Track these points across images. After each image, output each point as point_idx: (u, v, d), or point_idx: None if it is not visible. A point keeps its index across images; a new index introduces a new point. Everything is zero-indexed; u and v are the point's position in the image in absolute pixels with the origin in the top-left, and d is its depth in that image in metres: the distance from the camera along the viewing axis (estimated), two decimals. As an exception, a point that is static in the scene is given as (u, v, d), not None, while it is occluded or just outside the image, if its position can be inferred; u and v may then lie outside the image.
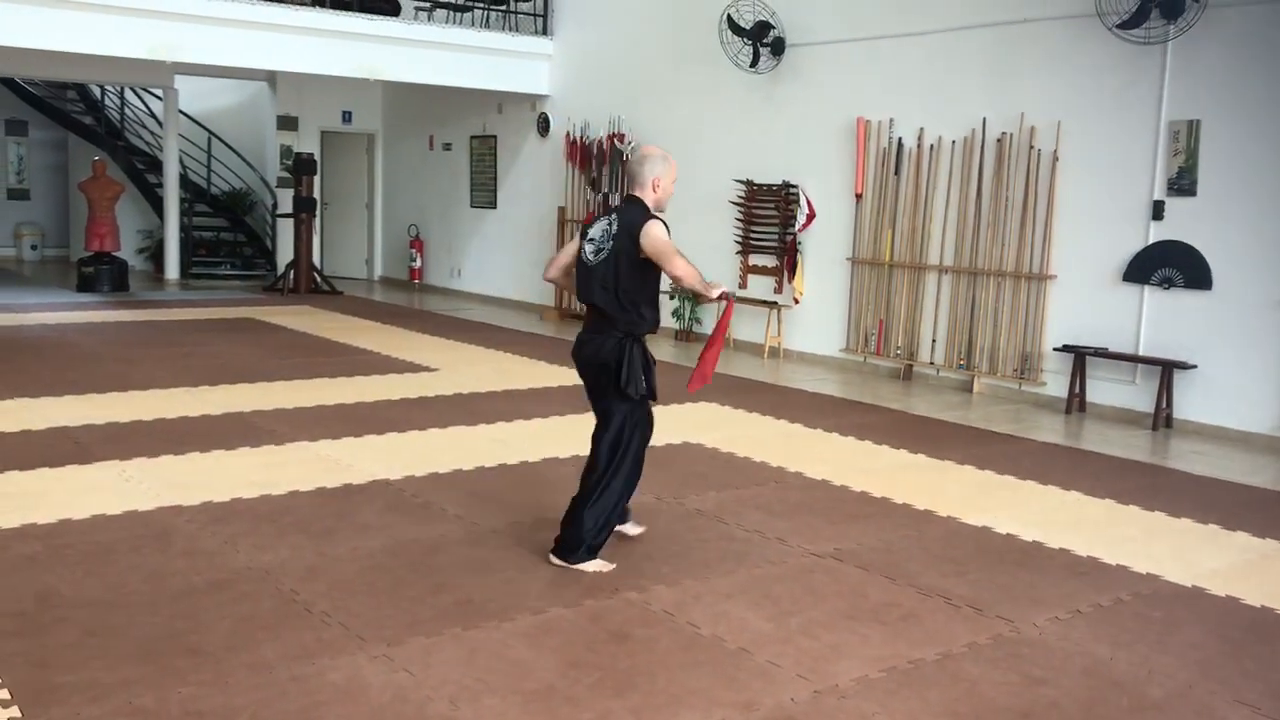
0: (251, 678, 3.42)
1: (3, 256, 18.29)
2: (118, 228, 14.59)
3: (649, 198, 4.51)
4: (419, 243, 15.93)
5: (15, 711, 3.15)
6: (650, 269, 4.39)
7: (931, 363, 9.45)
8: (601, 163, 12.38)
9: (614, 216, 4.49)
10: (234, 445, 6.34)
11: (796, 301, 10.46)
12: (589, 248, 4.49)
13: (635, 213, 4.45)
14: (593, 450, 4.53)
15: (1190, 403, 7.85)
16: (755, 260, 10.98)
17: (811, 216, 10.21)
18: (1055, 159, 8.49)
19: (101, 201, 14.34)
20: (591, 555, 4.47)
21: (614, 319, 4.43)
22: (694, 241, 11.35)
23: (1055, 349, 8.54)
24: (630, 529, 4.87)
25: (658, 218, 4.45)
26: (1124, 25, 7.80)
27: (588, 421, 4.73)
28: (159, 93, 15.70)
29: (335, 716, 3.20)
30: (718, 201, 11.14)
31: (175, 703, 3.24)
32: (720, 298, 4.43)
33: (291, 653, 3.61)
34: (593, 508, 4.43)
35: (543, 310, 13.24)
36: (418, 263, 15.94)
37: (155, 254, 16.55)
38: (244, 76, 15.80)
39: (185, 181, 16.09)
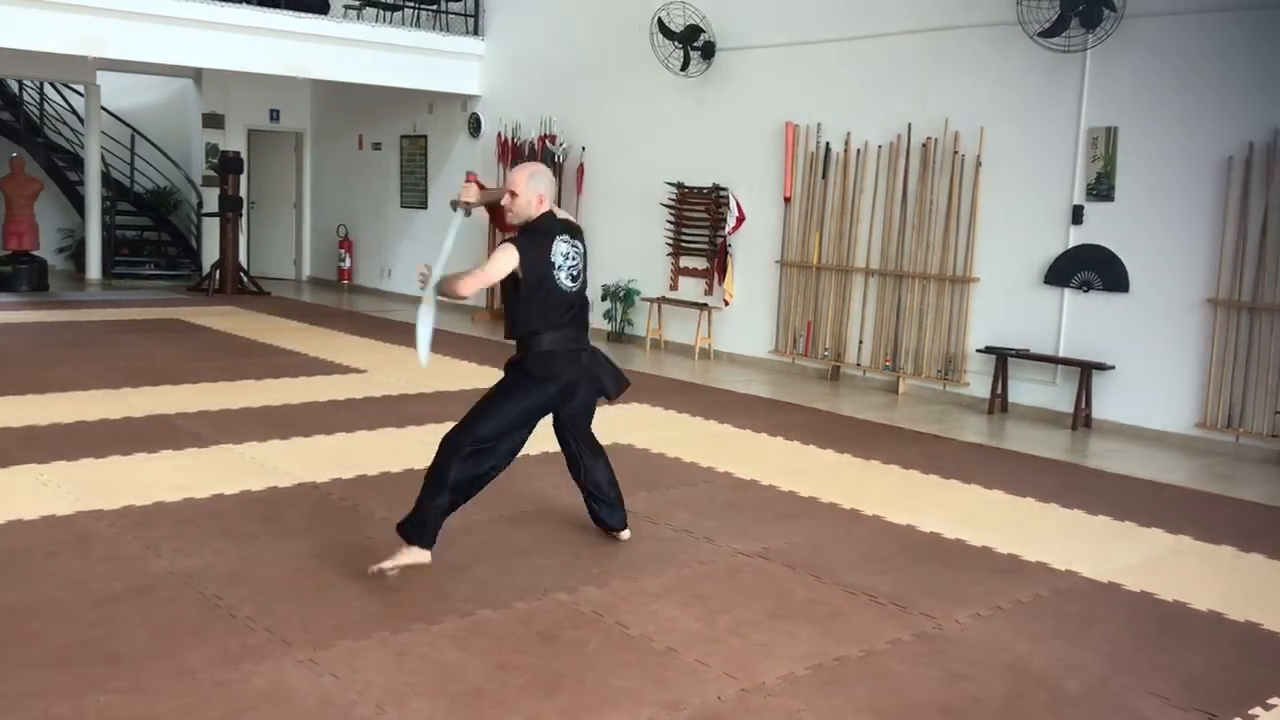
0: (173, 684, 3.37)
1: (-85, 255, 17.75)
2: (37, 226, 14.27)
3: (541, 210, 4.52)
4: (348, 243, 15.76)
5: (-74, 722, 3.08)
6: None
7: (858, 364, 9.58)
8: (531, 156, 12.34)
9: (568, 236, 4.45)
10: (156, 448, 6.23)
11: (726, 303, 10.53)
12: (563, 275, 4.40)
13: (579, 229, 4.58)
14: (592, 442, 4.88)
15: (1108, 403, 8.04)
16: (686, 262, 11.04)
17: (741, 219, 10.29)
18: (978, 164, 8.65)
19: (19, 199, 14.01)
20: None
21: (585, 333, 4.61)
22: (626, 243, 11.40)
23: (978, 350, 8.70)
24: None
25: None
26: (1045, 34, 7.97)
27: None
28: (80, 88, 15.35)
29: (259, 722, 3.16)
30: (649, 203, 11.18)
31: (93, 711, 3.18)
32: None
33: (215, 659, 3.56)
34: None
35: (474, 312, 13.17)
36: (347, 263, 15.77)
37: (76, 253, 16.19)
38: (169, 73, 15.50)
39: (108, 179, 15.76)
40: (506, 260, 4.32)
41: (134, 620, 3.84)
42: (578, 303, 4.48)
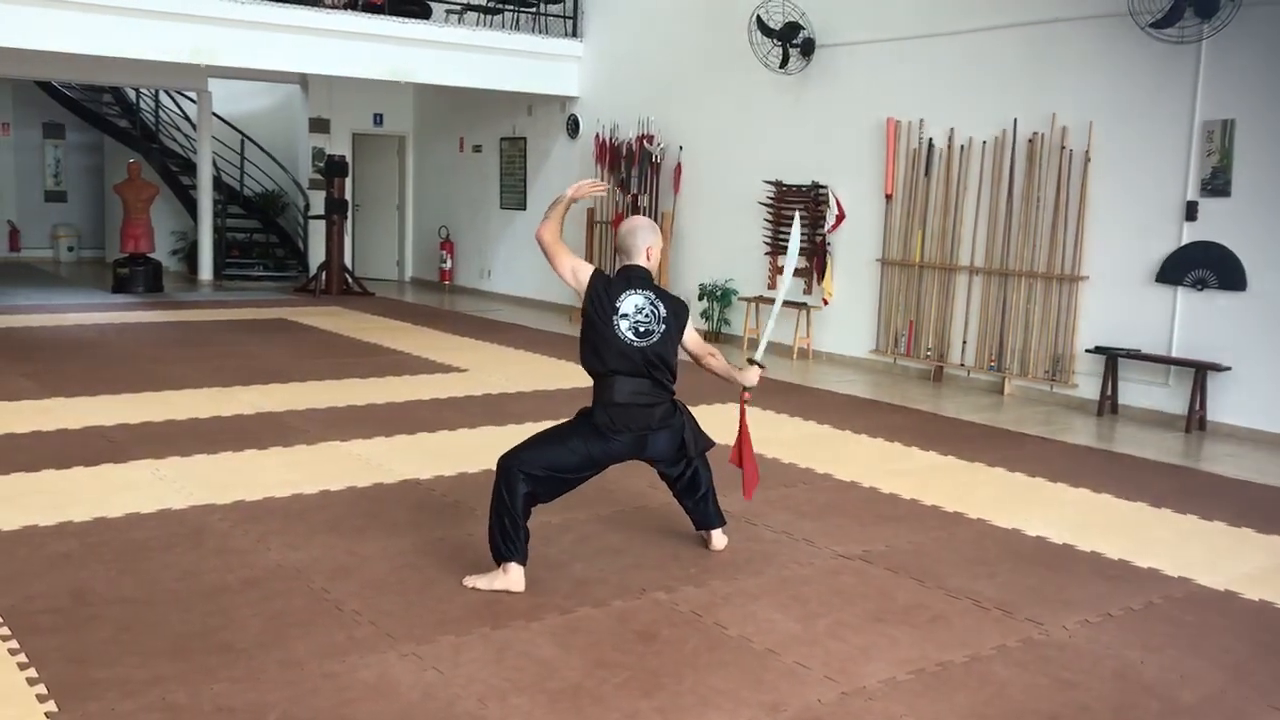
0: (283, 675, 3.45)
1: (40, 258, 18.53)
2: (152, 229, 14.73)
3: (649, 266, 4.46)
4: (449, 244, 16.00)
5: (52, 706, 3.20)
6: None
7: (962, 364, 9.41)
8: (631, 164, 12.40)
9: (651, 295, 4.37)
10: (266, 445, 6.40)
11: (826, 303, 10.44)
12: (625, 325, 4.29)
13: (674, 300, 4.48)
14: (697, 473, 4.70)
15: (1224, 405, 7.77)
16: (784, 261, 10.95)
17: (841, 217, 10.18)
18: (1087, 159, 8.43)
19: (136, 203, 14.48)
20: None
21: (665, 389, 4.44)
22: (723, 243, 11.37)
23: (1087, 350, 8.48)
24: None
25: None
26: (1157, 24, 7.73)
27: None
28: (193, 96, 15.85)
29: (365, 714, 3.23)
30: (747, 202, 11.13)
31: (207, 699, 3.28)
32: (743, 395, 4.81)
33: (322, 650, 3.64)
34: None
35: (572, 312, 13.26)
36: (448, 264, 16.02)
37: (189, 255, 16.71)
38: (276, 79, 15.93)
39: (219, 183, 16.24)
40: (579, 274, 4.39)
41: (245, 611, 3.95)
42: (642, 358, 4.31)
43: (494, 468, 4.30)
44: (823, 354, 10.59)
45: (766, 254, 11.06)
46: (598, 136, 12.97)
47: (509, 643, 3.76)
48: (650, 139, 12.16)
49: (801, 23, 10.38)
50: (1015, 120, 8.89)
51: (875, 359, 10.13)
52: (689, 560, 4.67)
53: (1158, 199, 8.08)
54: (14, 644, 3.60)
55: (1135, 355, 8.15)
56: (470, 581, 4.26)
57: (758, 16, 10.50)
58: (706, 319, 11.46)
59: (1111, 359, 8.26)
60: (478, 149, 15.49)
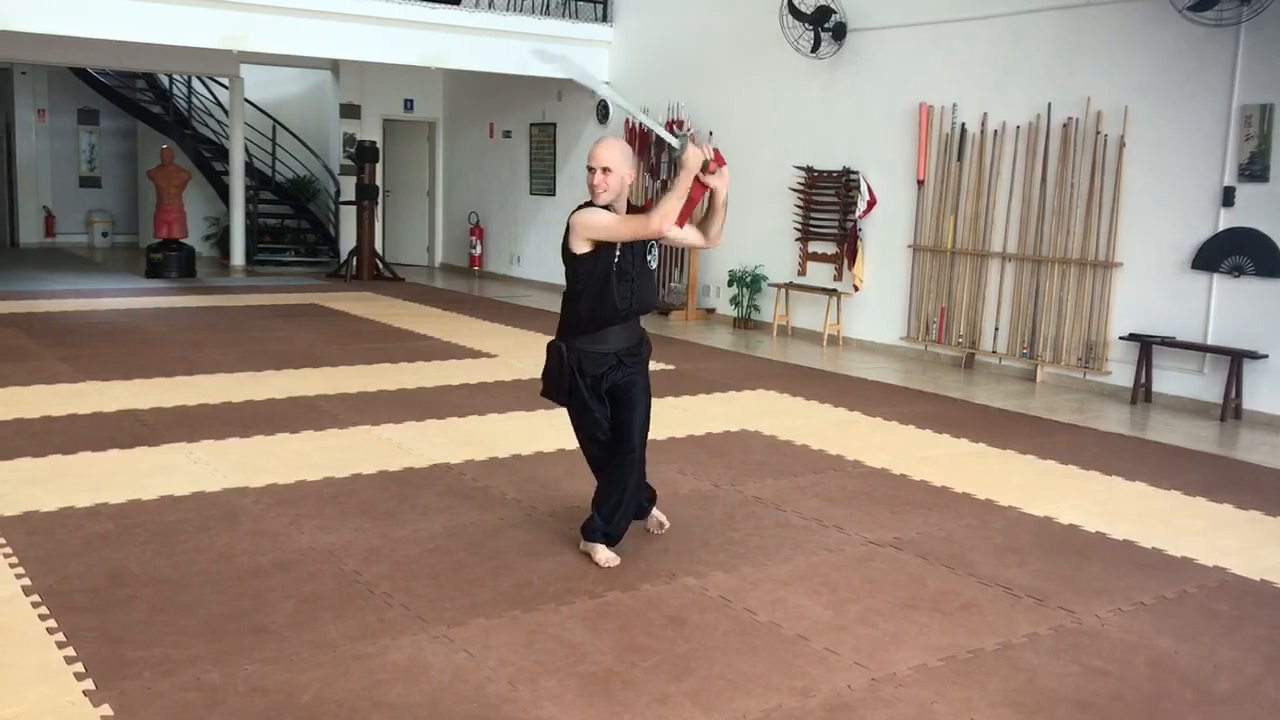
0: (316, 656, 3.48)
1: (75, 243, 18.71)
2: (185, 215, 14.84)
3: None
4: (479, 230, 16.04)
5: (89, 684, 3.24)
6: None
7: (994, 351, 9.34)
8: (661, 149, 12.37)
9: None
10: (298, 429, 6.44)
11: (856, 289, 10.39)
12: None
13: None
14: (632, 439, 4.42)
15: (1261, 393, 7.68)
16: (815, 247, 10.92)
17: (872, 203, 10.13)
18: (1122, 144, 8.34)
19: (169, 189, 14.59)
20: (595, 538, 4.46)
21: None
22: (753, 229, 11.33)
23: (1121, 338, 8.40)
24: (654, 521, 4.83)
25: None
26: (1194, 8, 7.62)
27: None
28: (225, 82, 15.94)
29: (397, 695, 3.25)
30: (777, 188, 11.09)
31: (242, 679, 3.31)
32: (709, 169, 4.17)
33: (354, 632, 3.67)
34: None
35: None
36: (478, 249, 16.05)
37: (221, 241, 16.84)
38: (308, 65, 16.00)
39: (250, 169, 16.33)
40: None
41: (279, 593, 3.98)
42: None
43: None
44: (853, 340, 10.54)
45: (797, 240, 11.02)
46: (627, 122, 12.94)
47: (539, 626, 3.78)
48: (680, 124, 12.13)
49: (833, 6, 10.31)
50: (1049, 105, 8.80)
51: (906, 345, 10.08)
52: (718, 546, 4.66)
53: (1194, 184, 7.98)
54: (52, 623, 3.65)
55: (1170, 342, 8.06)
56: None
57: (789, 1, 10.44)
58: (736, 305, 11.43)
59: (1146, 346, 8.18)
60: (507, 134, 15.50)
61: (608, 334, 4.30)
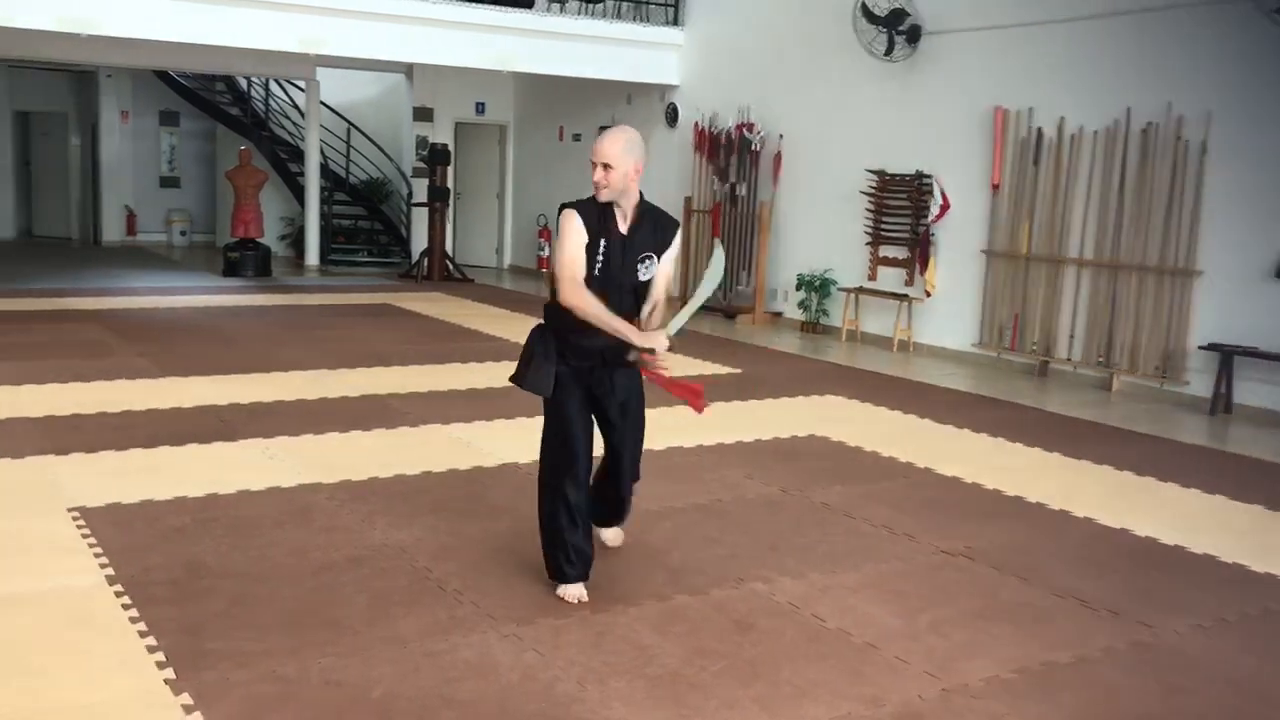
0: (388, 651, 3.52)
1: (154, 242, 19.12)
2: (262, 215, 15.09)
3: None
4: (547, 232, 16.12)
5: (170, 674, 3.31)
6: None
7: (1068, 359, 9.18)
8: (730, 153, 12.34)
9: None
10: (370, 426, 6.53)
11: (928, 294, 10.28)
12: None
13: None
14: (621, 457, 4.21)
15: (1347, 406, 7.47)
16: (886, 252, 10.82)
17: (946, 208, 10.02)
18: (1204, 150, 8.16)
19: (247, 189, 14.85)
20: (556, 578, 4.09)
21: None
22: (823, 233, 11.27)
23: (1200, 347, 8.21)
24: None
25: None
26: (1283, 9, 7.44)
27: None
28: (301, 84, 16.20)
29: (467, 692, 3.28)
30: (848, 192, 11.01)
31: (316, 672, 3.36)
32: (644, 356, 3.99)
33: (425, 629, 3.71)
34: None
35: (669, 300, 13.27)
36: (546, 252, 16.13)
37: (296, 241, 17.11)
38: (382, 69, 16.19)
39: (325, 170, 16.57)
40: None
41: (351, 588, 4.04)
42: None
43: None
44: (924, 346, 10.43)
45: (867, 244, 10.93)
46: (696, 125, 12.93)
47: (608, 627, 3.78)
48: (750, 127, 12.09)
49: (908, 9, 10.21)
50: (1128, 110, 8.64)
51: (978, 353, 9.94)
52: (786, 551, 4.64)
53: (1278, 192, 7.78)
54: (134, 613, 3.74)
55: (1252, 352, 7.87)
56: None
57: (862, 3, 10.36)
58: (805, 309, 11.37)
59: (1227, 356, 7.99)
60: (577, 138, 15.56)
61: (587, 329, 3.94)
